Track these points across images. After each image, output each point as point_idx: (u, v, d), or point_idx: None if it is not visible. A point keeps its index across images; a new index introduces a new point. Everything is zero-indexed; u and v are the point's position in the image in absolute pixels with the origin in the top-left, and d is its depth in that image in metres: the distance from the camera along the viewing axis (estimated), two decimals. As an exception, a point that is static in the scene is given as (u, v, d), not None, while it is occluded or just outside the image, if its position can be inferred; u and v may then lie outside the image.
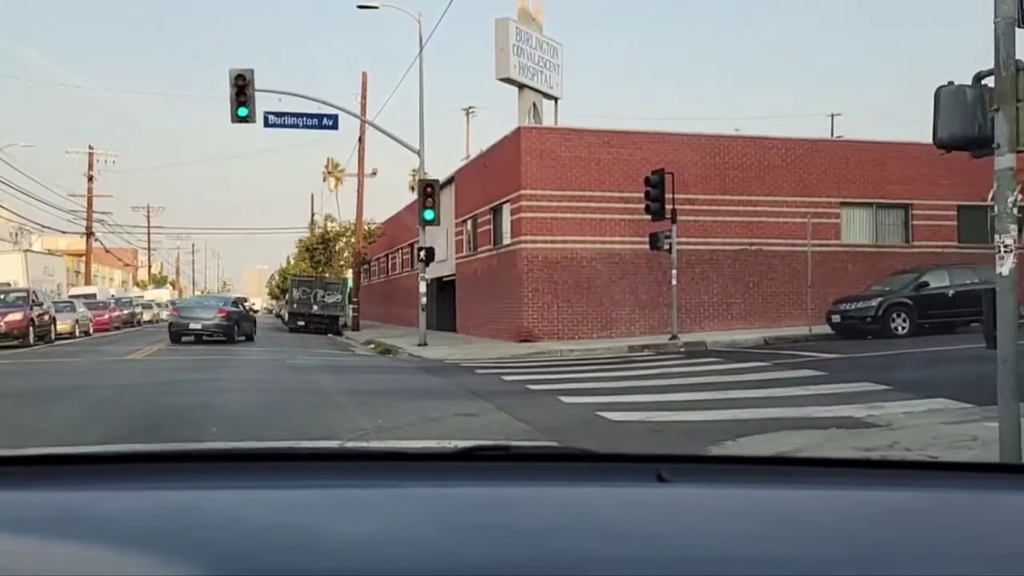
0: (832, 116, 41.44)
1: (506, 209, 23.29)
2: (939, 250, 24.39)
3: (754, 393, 10.65)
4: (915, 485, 1.20)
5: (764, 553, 0.89)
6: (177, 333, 25.94)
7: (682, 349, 19.11)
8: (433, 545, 0.89)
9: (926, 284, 19.15)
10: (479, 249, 26.10)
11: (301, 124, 21.97)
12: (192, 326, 25.81)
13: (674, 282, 20.27)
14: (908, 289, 19.10)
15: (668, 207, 19.92)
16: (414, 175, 52.96)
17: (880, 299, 18.87)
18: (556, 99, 24.42)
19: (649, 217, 20.42)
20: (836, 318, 19.51)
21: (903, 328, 18.77)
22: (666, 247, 20.19)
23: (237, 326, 26.56)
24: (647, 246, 21.76)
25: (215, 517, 0.98)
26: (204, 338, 25.52)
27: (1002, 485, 1.25)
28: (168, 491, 1.06)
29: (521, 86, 23.08)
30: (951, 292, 19.28)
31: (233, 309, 27.41)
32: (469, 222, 27.41)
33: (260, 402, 10.49)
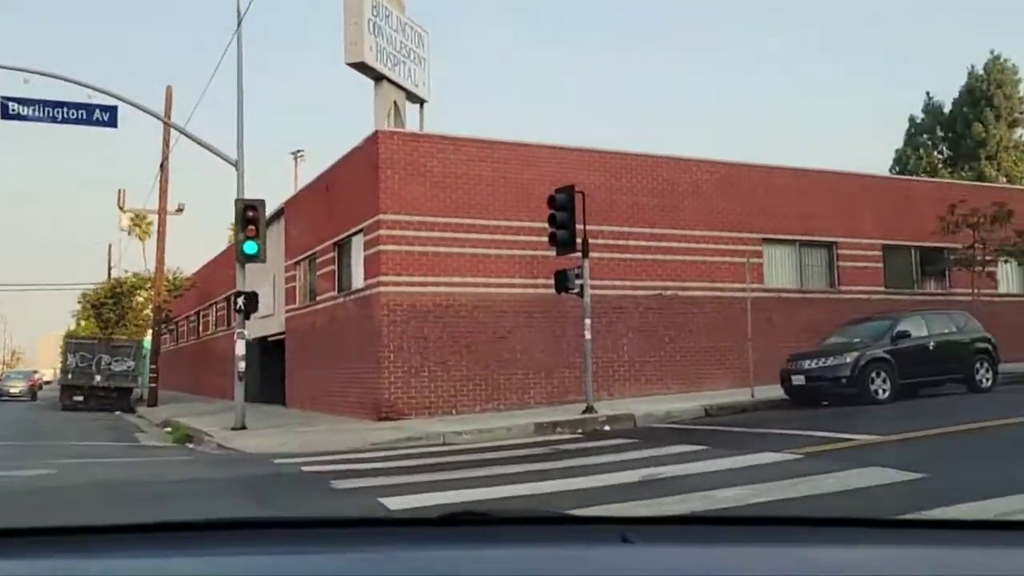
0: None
1: (357, 242, 17.54)
2: (866, 296, 20.94)
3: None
4: (873, 543, 1.20)
5: None
6: None
7: (606, 427, 14.01)
8: None
9: (906, 334, 15.14)
10: (319, 297, 20.05)
11: (61, 117, 15.41)
12: (11, 391, 38.73)
13: (588, 335, 15.24)
14: (885, 341, 15.00)
15: (579, 238, 15.02)
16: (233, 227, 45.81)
17: (856, 354, 14.62)
18: (423, 101, 19.12)
19: (552, 252, 15.48)
20: (798, 379, 15.08)
21: (884, 391, 14.58)
22: (576, 288, 15.19)
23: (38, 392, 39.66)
24: (544, 289, 16.76)
25: None
26: (17, 399, 37.86)
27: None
28: (150, 559, 1.11)
29: (379, 77, 17.58)
30: (931, 344, 15.38)
31: (36, 379, 44.64)
32: (304, 264, 21.34)
33: None
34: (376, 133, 16.60)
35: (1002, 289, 22.74)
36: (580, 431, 13.69)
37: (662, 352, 18.70)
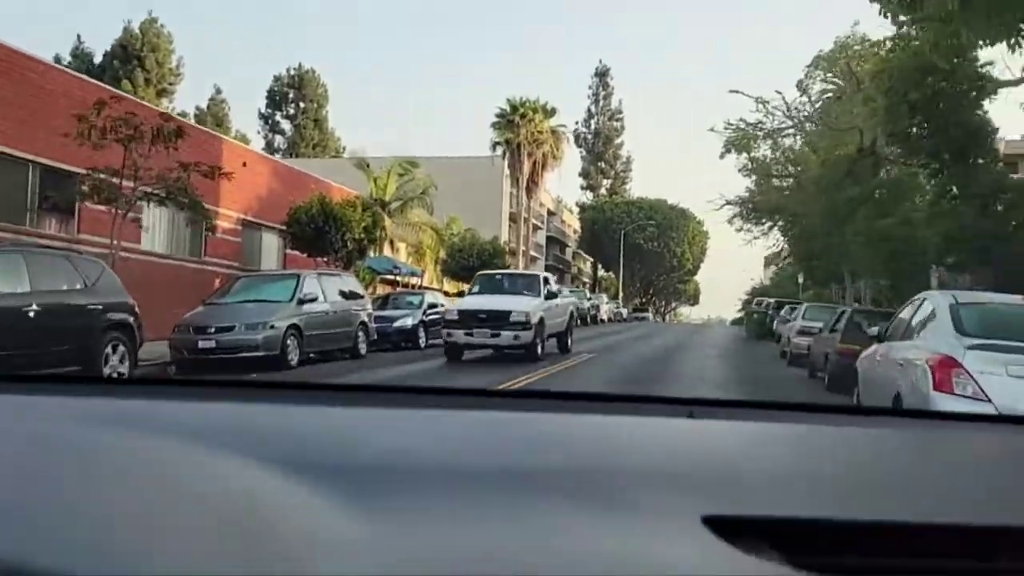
0: None
1: None
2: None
3: None
4: (909, 427, 1.45)
5: (785, 474, 0.99)
6: None
7: None
8: (474, 452, 1.00)
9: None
10: None
11: None
12: None
13: None
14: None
15: None
16: None
17: None
18: None
19: None
20: None
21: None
22: None
23: None
24: None
25: (286, 427, 1.06)
26: None
27: None
28: (232, 403, 1.19)
29: None
30: (32, 309, 8.42)
31: None
32: None
33: None
34: None
35: (147, 245, 17.30)
36: None
37: None
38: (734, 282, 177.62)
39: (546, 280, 16.84)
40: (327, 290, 14.90)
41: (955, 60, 10.71)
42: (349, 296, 15.94)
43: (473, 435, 1.09)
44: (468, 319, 14.65)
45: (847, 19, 43.27)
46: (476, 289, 16.72)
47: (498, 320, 14.39)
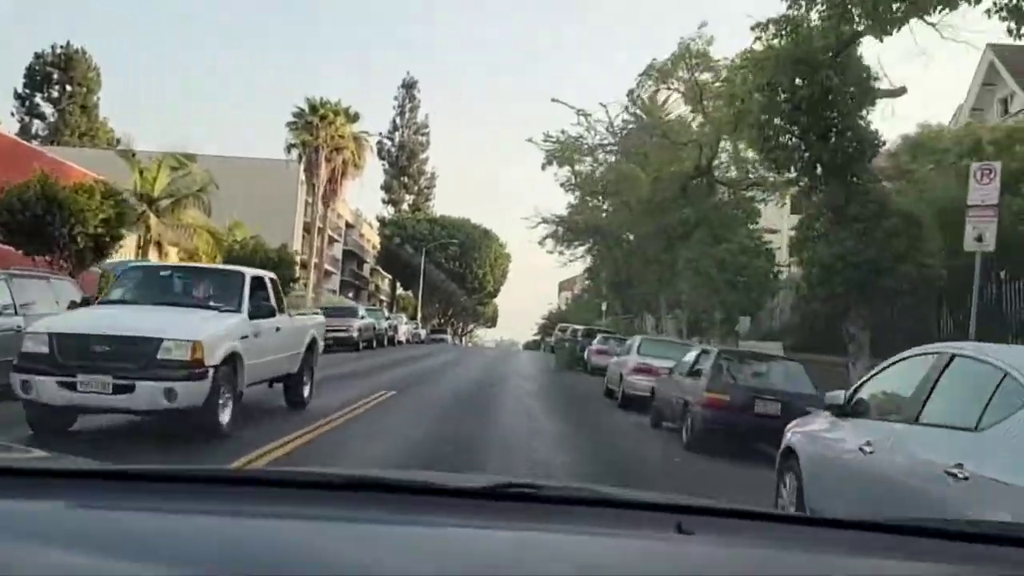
0: None
1: None
2: None
3: None
4: (928, 557, 1.20)
5: None
6: None
7: None
8: None
9: None
10: None
11: None
12: None
13: None
14: None
15: None
16: None
17: None
18: None
19: None
20: None
21: None
22: None
23: None
24: None
25: (242, 545, 0.99)
26: None
27: None
28: (201, 516, 1.08)
29: None
30: None
31: None
32: None
33: None
34: None
35: None
36: None
37: None
38: (529, 305, 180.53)
39: (260, 284, 9.36)
40: (25, 299, 10.64)
41: (892, 32, 8.80)
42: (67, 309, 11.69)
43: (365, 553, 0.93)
44: (70, 353, 7.36)
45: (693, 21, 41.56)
46: (115, 294, 9.11)
47: (130, 357, 7.30)
